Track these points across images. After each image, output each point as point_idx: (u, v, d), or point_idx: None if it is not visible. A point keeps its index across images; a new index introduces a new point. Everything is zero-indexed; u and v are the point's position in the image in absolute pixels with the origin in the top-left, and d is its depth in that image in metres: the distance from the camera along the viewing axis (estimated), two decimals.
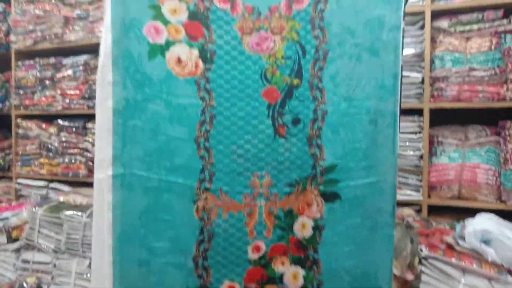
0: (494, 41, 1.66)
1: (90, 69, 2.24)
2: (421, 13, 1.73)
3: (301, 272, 1.19)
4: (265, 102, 1.17)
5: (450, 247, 1.38)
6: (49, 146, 2.32)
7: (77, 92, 2.24)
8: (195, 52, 1.15)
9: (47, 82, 2.32)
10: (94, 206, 1.14)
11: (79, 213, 1.78)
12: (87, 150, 2.23)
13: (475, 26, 1.71)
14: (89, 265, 1.74)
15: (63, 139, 2.27)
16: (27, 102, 2.39)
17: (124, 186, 1.11)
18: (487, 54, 1.65)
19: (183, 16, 1.15)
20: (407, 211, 1.72)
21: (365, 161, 1.17)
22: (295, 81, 1.18)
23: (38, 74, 2.35)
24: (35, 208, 1.88)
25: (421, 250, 1.40)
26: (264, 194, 1.18)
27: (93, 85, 2.20)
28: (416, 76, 1.73)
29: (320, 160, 1.17)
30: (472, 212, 1.54)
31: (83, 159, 2.24)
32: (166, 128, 1.13)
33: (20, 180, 2.43)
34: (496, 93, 1.63)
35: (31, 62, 2.38)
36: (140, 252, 1.13)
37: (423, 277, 1.37)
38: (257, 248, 1.18)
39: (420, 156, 1.75)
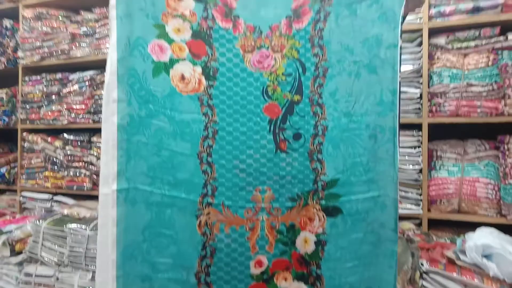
0: (491, 58, 1.68)
1: (96, 84, 2.28)
2: (419, 31, 1.77)
3: None
4: (266, 118, 1.19)
5: (451, 261, 1.38)
6: (54, 159, 2.35)
7: (83, 106, 2.27)
8: (198, 69, 1.19)
9: (54, 96, 2.36)
10: (99, 221, 1.15)
11: (83, 226, 1.79)
12: (91, 164, 2.26)
13: (472, 43, 1.74)
14: (92, 278, 1.74)
15: (68, 152, 2.30)
16: (33, 116, 2.42)
17: (127, 200, 1.12)
18: (484, 70, 1.68)
19: (187, 35, 1.19)
20: (408, 225, 1.73)
21: (366, 176, 1.18)
22: (296, 97, 1.21)
23: (44, 89, 2.39)
24: (39, 221, 1.89)
25: (422, 264, 1.40)
26: (266, 208, 1.19)
27: (99, 99, 2.24)
28: (414, 91, 1.76)
29: (321, 175, 1.19)
30: (472, 226, 1.54)
31: (88, 172, 2.26)
32: (170, 143, 1.15)
33: (25, 193, 2.45)
34: (494, 108, 1.65)
35: (38, 77, 2.43)
36: (143, 268, 1.14)
37: None
38: (259, 263, 1.19)
39: (419, 170, 1.76)
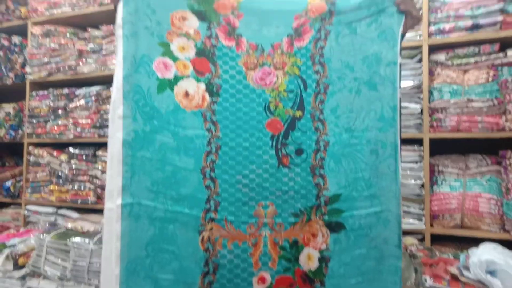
0: (491, 74, 1.70)
1: (102, 100, 2.32)
2: (419, 47, 1.79)
3: None
4: (269, 133, 1.21)
5: (454, 277, 1.37)
6: (59, 173, 2.37)
7: (89, 121, 2.31)
8: (202, 86, 1.21)
9: (60, 111, 2.40)
10: (104, 236, 1.15)
11: (86, 240, 1.79)
12: (96, 177, 2.28)
13: (471, 59, 1.76)
14: None
15: (73, 166, 2.32)
16: (39, 130, 2.46)
17: (131, 215, 1.12)
18: (484, 86, 1.69)
19: (191, 53, 1.22)
20: (410, 240, 1.72)
21: (368, 191, 1.19)
22: (298, 113, 1.23)
23: (51, 103, 2.43)
24: (42, 235, 1.90)
25: (425, 280, 1.38)
26: (268, 224, 1.19)
27: (104, 114, 2.27)
28: (415, 107, 1.77)
29: (323, 190, 1.20)
30: (475, 242, 1.53)
31: (92, 186, 2.28)
32: (173, 158, 1.17)
33: (29, 207, 2.46)
34: (495, 123, 1.66)
35: (45, 92, 2.47)
36: (146, 283, 1.13)
37: None
38: (262, 280, 1.18)
39: (421, 185, 1.76)
